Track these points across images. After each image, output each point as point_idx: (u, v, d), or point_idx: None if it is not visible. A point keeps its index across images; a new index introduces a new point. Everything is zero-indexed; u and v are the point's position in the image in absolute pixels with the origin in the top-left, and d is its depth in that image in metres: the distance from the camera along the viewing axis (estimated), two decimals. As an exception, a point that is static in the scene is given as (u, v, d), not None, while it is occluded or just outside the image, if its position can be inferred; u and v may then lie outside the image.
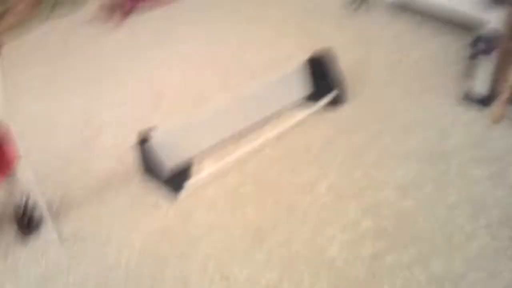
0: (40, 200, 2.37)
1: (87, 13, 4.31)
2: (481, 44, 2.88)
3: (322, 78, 3.12)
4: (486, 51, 2.87)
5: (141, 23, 4.27)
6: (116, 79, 3.55)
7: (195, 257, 2.30)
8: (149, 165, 2.65)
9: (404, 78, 3.28)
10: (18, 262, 2.36)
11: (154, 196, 2.61)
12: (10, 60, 3.82)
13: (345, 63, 3.24)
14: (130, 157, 2.77)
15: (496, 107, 2.85)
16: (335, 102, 3.10)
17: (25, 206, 2.48)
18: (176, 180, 2.64)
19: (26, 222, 2.45)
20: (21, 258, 2.37)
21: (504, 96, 2.81)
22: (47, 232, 2.44)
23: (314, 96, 3.12)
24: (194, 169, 2.74)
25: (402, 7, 3.93)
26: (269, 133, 2.91)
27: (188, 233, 2.41)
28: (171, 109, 3.17)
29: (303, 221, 2.42)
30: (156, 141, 2.60)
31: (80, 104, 3.32)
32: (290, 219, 2.44)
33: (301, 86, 3.11)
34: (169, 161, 2.66)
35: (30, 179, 2.39)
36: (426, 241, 2.28)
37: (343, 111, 3.06)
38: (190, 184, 2.64)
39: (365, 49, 3.58)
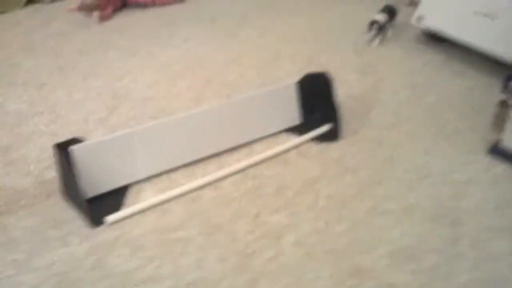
0: None
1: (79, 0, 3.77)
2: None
3: (312, 106, 2.51)
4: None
5: (130, 20, 3.72)
6: (74, 78, 2.96)
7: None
8: (67, 185, 2.04)
9: (418, 121, 2.66)
10: None
11: (67, 227, 1.97)
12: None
13: (349, 95, 2.66)
14: (52, 175, 2.16)
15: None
16: (326, 137, 2.48)
17: None
18: (99, 209, 1.98)
19: None
20: None
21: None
22: None
23: (301, 128, 2.51)
24: (128, 198, 2.11)
25: (431, 37, 3.34)
26: (235, 164, 2.29)
27: (93, 282, 1.77)
28: (121, 123, 2.56)
29: (253, 286, 1.77)
30: (81, 155, 1.99)
31: (20, 102, 2.71)
32: (235, 281, 1.78)
33: (285, 112, 2.50)
34: (95, 183, 2.03)
35: None
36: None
37: (334, 149, 2.43)
38: (115, 217, 2.00)
39: (376, 82, 2.98)
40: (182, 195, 2.13)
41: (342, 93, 2.64)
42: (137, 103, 2.75)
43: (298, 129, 2.50)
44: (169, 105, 2.73)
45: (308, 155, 2.40)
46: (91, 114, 2.63)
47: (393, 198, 2.17)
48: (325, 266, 1.83)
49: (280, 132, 2.50)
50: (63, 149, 1.97)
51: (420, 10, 3.28)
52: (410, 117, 2.71)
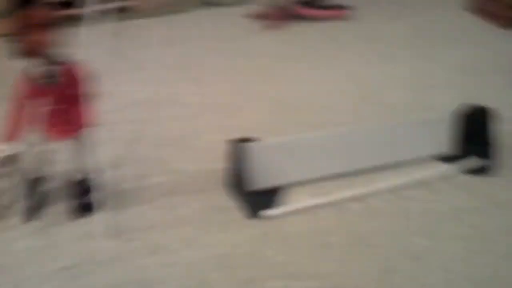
0: (107, 184, 2.11)
1: (251, 8, 4.34)
2: None
3: (467, 139, 2.54)
4: None
5: (295, 31, 4.09)
6: (241, 82, 3.29)
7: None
8: (234, 177, 2.29)
9: None
10: (58, 241, 2.09)
11: (227, 214, 2.22)
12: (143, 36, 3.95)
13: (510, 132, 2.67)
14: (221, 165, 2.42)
15: None
16: (479, 171, 2.50)
17: (87, 184, 2.20)
18: (260, 202, 2.24)
19: (82, 202, 2.20)
20: (62, 238, 2.10)
21: None
22: (98, 220, 2.14)
23: (453, 158, 2.55)
24: (284, 197, 2.32)
25: None
26: (382, 183, 2.40)
27: (246, 268, 1.98)
28: (281, 128, 2.79)
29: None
30: (255, 152, 2.23)
31: (193, 96, 3.09)
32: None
33: (442, 141, 2.56)
34: (259, 179, 2.27)
35: (107, 158, 2.15)
36: None
37: (486, 183, 2.45)
38: (272, 213, 2.22)
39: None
40: (331, 204, 2.29)
41: (502, 129, 2.61)
42: (296, 110, 2.99)
43: (450, 159, 2.55)
44: (325, 117, 2.93)
45: (457, 187, 2.43)
46: (254, 116, 2.92)
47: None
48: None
49: (431, 159, 2.57)
50: (237, 144, 2.24)
51: None
52: None
